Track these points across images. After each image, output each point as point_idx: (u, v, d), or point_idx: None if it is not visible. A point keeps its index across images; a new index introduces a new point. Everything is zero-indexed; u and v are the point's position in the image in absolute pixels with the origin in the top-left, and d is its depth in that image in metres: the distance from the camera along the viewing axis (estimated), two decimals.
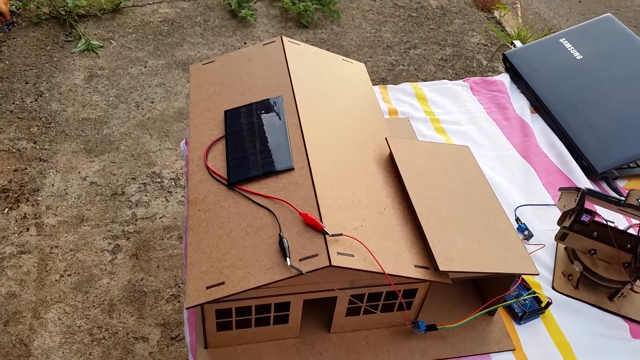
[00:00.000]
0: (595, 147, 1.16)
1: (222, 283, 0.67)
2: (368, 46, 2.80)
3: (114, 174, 1.86)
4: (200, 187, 0.81)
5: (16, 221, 1.65)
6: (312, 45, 2.75)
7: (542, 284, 0.93)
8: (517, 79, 1.39)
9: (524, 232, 1.01)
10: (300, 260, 0.67)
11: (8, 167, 1.83)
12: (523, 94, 1.37)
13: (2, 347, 1.35)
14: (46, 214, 1.69)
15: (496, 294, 0.84)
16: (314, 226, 0.69)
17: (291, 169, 0.78)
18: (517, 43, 1.52)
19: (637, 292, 0.91)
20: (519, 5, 3.37)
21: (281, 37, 1.05)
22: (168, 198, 1.81)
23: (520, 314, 0.86)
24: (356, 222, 0.73)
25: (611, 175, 1.15)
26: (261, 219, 0.73)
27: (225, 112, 0.92)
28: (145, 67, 2.42)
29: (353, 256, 0.68)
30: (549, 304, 0.87)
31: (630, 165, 1.17)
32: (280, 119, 0.87)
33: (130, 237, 1.65)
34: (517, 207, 1.06)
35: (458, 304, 0.87)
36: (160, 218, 1.73)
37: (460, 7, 3.21)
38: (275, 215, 0.73)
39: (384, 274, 0.68)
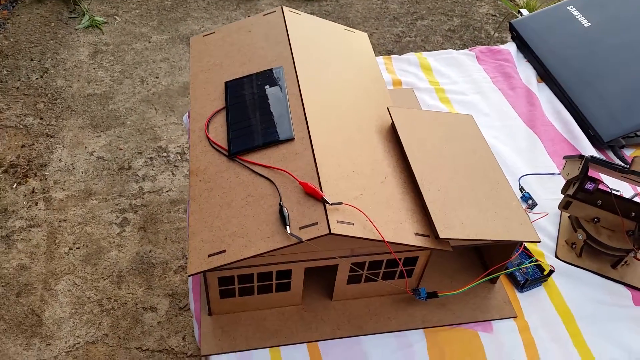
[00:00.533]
0: (602, 116, 1.15)
1: (224, 251, 0.68)
2: (374, 18, 2.75)
3: (121, 149, 1.86)
4: (201, 158, 0.81)
5: (25, 196, 1.67)
6: (318, 17, 2.72)
7: (546, 253, 0.93)
8: (524, 47, 1.37)
9: (528, 201, 1.01)
10: (301, 228, 0.67)
11: (16, 143, 1.85)
12: (529, 63, 1.35)
13: (16, 317, 1.38)
14: (54, 189, 1.70)
15: (498, 262, 0.85)
16: (314, 195, 0.69)
17: (291, 139, 0.78)
18: (524, 11, 1.49)
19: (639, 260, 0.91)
20: None
21: (281, 7, 1.03)
22: (174, 172, 1.82)
23: (522, 282, 0.87)
24: (356, 191, 0.73)
25: (618, 143, 1.14)
26: (261, 188, 0.74)
27: (226, 83, 0.91)
28: (150, 42, 2.40)
29: (353, 224, 0.68)
30: (551, 272, 0.88)
31: (638, 133, 1.15)
32: (280, 90, 0.86)
33: (138, 210, 1.67)
34: (522, 177, 1.05)
35: (460, 272, 0.88)
36: (167, 192, 1.74)
37: None
38: (275, 185, 0.73)
39: (383, 241, 0.68)
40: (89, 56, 2.29)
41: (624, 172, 0.81)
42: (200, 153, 0.82)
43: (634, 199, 0.96)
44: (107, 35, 2.42)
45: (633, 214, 0.88)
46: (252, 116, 0.84)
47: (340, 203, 0.69)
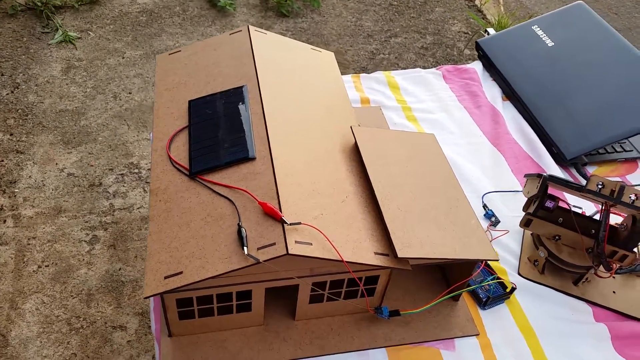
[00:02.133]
0: (564, 134, 1.17)
1: (180, 273, 0.67)
2: (349, 35, 2.79)
3: (92, 165, 1.84)
4: (162, 178, 0.81)
5: None
6: (293, 34, 2.74)
7: (508, 270, 0.94)
8: (490, 66, 1.40)
9: (491, 218, 1.02)
10: (258, 249, 0.67)
11: None
12: (495, 82, 1.38)
13: None
14: (23, 206, 1.67)
15: (460, 280, 0.85)
16: (273, 215, 0.69)
17: (252, 159, 0.78)
18: (491, 31, 1.52)
19: (600, 277, 0.92)
20: None
21: (247, 26, 1.04)
22: (146, 189, 1.80)
23: (484, 299, 0.87)
24: (316, 210, 0.74)
25: (580, 161, 1.16)
26: (221, 208, 0.73)
27: (190, 102, 0.91)
28: (123, 57, 2.39)
29: (311, 244, 0.68)
30: (513, 289, 0.89)
31: (600, 151, 1.18)
32: (244, 109, 0.87)
33: (108, 227, 1.64)
34: (485, 194, 1.07)
35: (423, 290, 0.88)
36: (137, 208, 1.72)
37: None
38: (235, 205, 0.73)
39: (342, 261, 0.68)
40: (61, 71, 2.27)
41: (581, 190, 0.82)
42: (161, 172, 0.81)
43: (594, 217, 0.98)
44: (80, 51, 2.41)
45: (593, 231, 0.90)
46: (214, 135, 0.84)
47: (299, 223, 0.69)
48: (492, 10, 3.11)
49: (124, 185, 1.79)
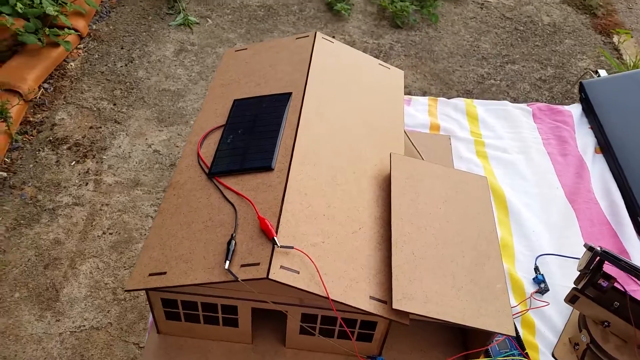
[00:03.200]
0: None
1: (164, 273, 0.66)
2: (461, 55, 2.65)
3: (177, 146, 1.93)
4: (184, 172, 0.80)
5: (79, 175, 1.78)
6: (402, 46, 2.67)
7: (542, 348, 0.82)
8: (589, 112, 1.24)
9: (540, 284, 0.90)
10: (242, 266, 0.63)
11: (86, 124, 1.98)
12: (591, 130, 1.21)
13: (38, 287, 1.46)
14: (107, 173, 1.79)
15: (478, 345, 0.75)
16: (267, 233, 0.65)
17: (270, 169, 0.75)
18: (602, 72, 1.35)
19: None
20: None
21: (315, 32, 1.01)
22: None
23: None
24: (319, 237, 0.68)
25: None
26: (224, 215, 0.71)
27: (234, 101, 0.90)
28: (230, 47, 2.48)
29: (298, 273, 0.63)
30: None
31: None
32: (280, 117, 0.83)
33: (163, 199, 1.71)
34: (540, 256, 0.94)
35: (435, 347, 0.79)
36: None
37: (574, 27, 2.95)
38: (236, 214, 0.70)
39: (327, 298, 0.63)
40: (173, 53, 2.41)
41: (636, 275, 0.69)
42: (185, 167, 0.81)
43: None
44: (195, 36, 2.54)
45: None
46: (244, 138, 0.81)
47: (291, 247, 0.64)
48: (631, 50, 2.80)
49: None
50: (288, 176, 0.73)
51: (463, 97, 2.46)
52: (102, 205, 1.69)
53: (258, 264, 0.63)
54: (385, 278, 0.69)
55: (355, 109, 0.91)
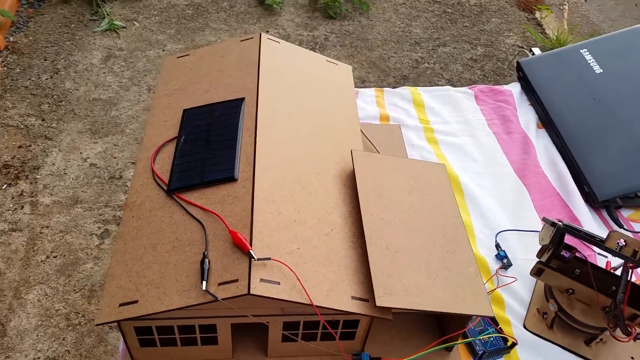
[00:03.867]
0: (599, 172, 1.06)
1: (136, 302, 0.63)
2: (395, 41, 2.69)
3: (115, 157, 1.85)
4: (140, 191, 0.76)
5: (12, 198, 1.67)
6: (337, 37, 2.68)
7: (513, 321, 0.85)
8: (528, 90, 1.29)
9: (503, 260, 0.93)
10: (219, 284, 0.61)
11: (14, 143, 1.85)
12: (532, 107, 1.26)
13: None
14: (42, 193, 1.69)
15: (455, 329, 0.77)
16: (241, 247, 0.64)
17: (233, 180, 0.73)
18: (536, 51, 1.41)
19: (618, 339, 0.81)
20: (566, 7, 3.18)
21: (260, 34, 0.99)
22: None
23: (480, 353, 0.79)
24: (293, 244, 0.67)
25: (614, 204, 1.04)
26: (191, 233, 0.68)
27: (184, 111, 0.87)
28: (164, 50, 2.40)
29: (279, 284, 0.62)
30: (514, 344, 0.80)
31: (638, 194, 1.06)
32: (236, 124, 0.81)
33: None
34: (499, 232, 0.97)
35: (414, 336, 0.80)
36: None
37: (500, 6, 3.05)
38: (205, 231, 0.68)
39: (311, 305, 0.62)
40: (101, 60, 2.30)
41: (598, 246, 0.72)
42: (141, 186, 0.77)
43: (617, 271, 0.88)
44: (122, 40, 2.43)
45: (613, 288, 0.79)
46: (200, 150, 0.79)
47: (268, 259, 0.63)
48: (552, 25, 2.94)
49: None
50: (254, 185, 0.71)
51: (400, 83, 2.50)
52: (41, 228, 1.59)
53: (237, 280, 0.61)
54: (363, 276, 0.69)
55: (309, 108, 0.90)
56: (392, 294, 0.66)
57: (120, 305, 0.63)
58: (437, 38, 2.76)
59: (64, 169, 1.77)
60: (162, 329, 0.68)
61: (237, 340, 0.74)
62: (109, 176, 1.77)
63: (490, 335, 0.81)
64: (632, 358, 0.81)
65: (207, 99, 0.89)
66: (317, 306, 0.62)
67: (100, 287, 1.46)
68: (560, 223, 0.75)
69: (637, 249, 0.70)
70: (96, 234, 1.58)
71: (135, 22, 2.57)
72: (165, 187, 0.75)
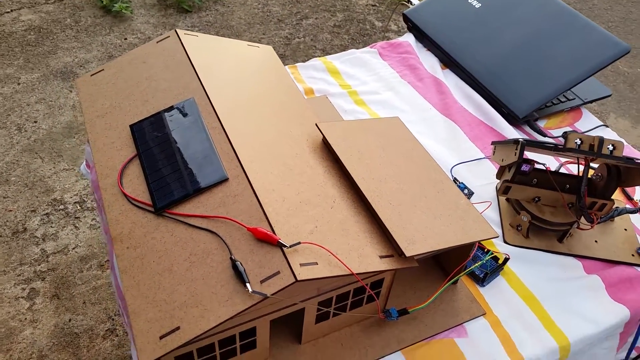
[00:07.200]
0: (513, 93, 1.17)
1: (178, 328, 0.58)
2: (259, 23, 2.68)
3: (10, 210, 1.64)
4: (122, 220, 0.70)
5: None
6: (200, 29, 2.60)
7: (494, 240, 0.93)
8: (422, 37, 1.37)
9: (464, 191, 1.00)
10: (262, 281, 0.59)
11: None
12: (430, 52, 1.35)
13: None
14: None
15: (456, 263, 0.82)
16: (268, 240, 0.62)
17: (225, 180, 0.70)
18: (414, 1, 1.49)
19: (582, 229, 0.93)
20: None
21: (175, 31, 0.93)
22: (77, 225, 1.63)
23: (482, 276, 0.85)
24: (310, 224, 0.67)
25: (532, 117, 1.17)
26: (204, 244, 0.65)
27: (131, 126, 0.80)
28: (19, 84, 2.15)
29: (317, 264, 0.62)
30: (506, 259, 0.87)
31: (547, 104, 1.19)
32: (197, 124, 0.77)
33: (45, 276, 1.47)
34: (453, 167, 1.05)
35: (421, 281, 0.85)
36: (73, 249, 1.56)
37: None
38: (220, 237, 0.64)
39: (352, 274, 0.63)
40: None
41: (560, 150, 0.82)
42: (120, 214, 0.71)
43: (560, 171, 0.99)
44: None
45: (568, 186, 0.90)
46: (173, 161, 0.74)
47: (299, 243, 0.62)
48: None
49: (52, 226, 1.61)
50: (249, 179, 0.69)
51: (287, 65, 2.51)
52: None
53: (278, 272, 0.59)
54: (378, 236, 0.70)
55: (258, 95, 0.88)
56: (414, 242, 0.69)
57: (162, 337, 0.58)
58: (297, 12, 2.80)
59: None
60: (203, 350, 0.64)
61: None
62: (11, 232, 1.57)
63: (487, 258, 0.88)
64: (596, 241, 0.93)
65: (149, 109, 0.83)
66: (357, 274, 0.63)
67: (50, 349, 1.31)
68: (521, 139, 0.83)
69: (592, 143, 0.80)
70: (23, 297, 1.41)
71: None
72: (151, 208, 0.70)
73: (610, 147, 0.80)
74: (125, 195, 0.72)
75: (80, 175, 1.78)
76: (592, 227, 0.90)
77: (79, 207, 1.68)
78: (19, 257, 1.50)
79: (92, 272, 1.49)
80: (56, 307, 1.39)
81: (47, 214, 1.64)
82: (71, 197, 1.71)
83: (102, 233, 1.61)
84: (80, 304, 1.41)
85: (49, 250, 1.53)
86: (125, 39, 2.48)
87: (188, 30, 2.54)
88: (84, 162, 1.12)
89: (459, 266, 0.81)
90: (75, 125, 1.98)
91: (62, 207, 1.67)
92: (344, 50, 1.33)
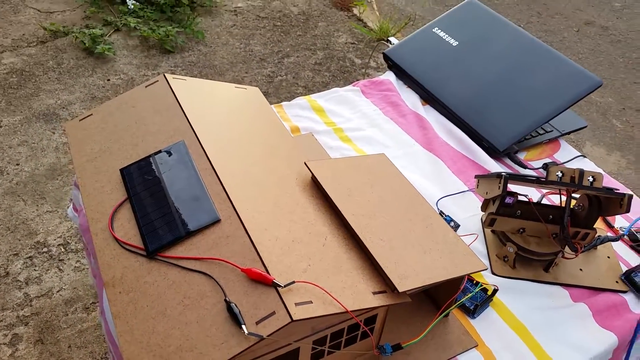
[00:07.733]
0: (491, 127, 1.21)
1: None
2: (241, 62, 2.73)
3: None
4: (114, 265, 0.70)
5: None
6: (183, 70, 2.63)
7: (482, 273, 0.94)
8: (402, 74, 1.42)
9: (450, 223, 1.02)
10: (258, 322, 0.60)
11: None
12: (411, 89, 1.39)
13: None
14: None
15: (447, 296, 0.83)
16: (262, 280, 0.62)
17: (217, 221, 0.71)
18: (393, 40, 1.55)
19: (567, 258, 0.95)
20: (373, 0, 3.49)
21: (164, 75, 0.95)
22: (61, 267, 1.61)
23: (472, 308, 0.86)
24: (303, 262, 0.68)
25: (512, 150, 1.20)
26: (198, 286, 0.65)
27: (121, 170, 0.81)
28: (1, 126, 2.14)
29: (312, 302, 0.62)
30: (495, 290, 0.88)
31: (526, 137, 1.23)
32: (188, 166, 0.78)
33: (29, 321, 1.44)
34: (438, 200, 1.07)
35: (413, 315, 0.85)
36: (58, 292, 1.53)
37: (320, 10, 3.26)
38: (214, 279, 0.65)
39: (347, 312, 0.63)
40: None
41: (542, 183, 0.84)
42: (111, 259, 0.71)
43: (542, 202, 1.02)
44: None
45: (551, 216, 0.92)
46: (164, 204, 0.74)
47: (293, 282, 0.63)
48: (371, 17, 3.22)
49: (35, 269, 1.58)
50: (241, 220, 0.70)
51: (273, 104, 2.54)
52: None
53: (273, 312, 0.60)
54: (370, 272, 0.71)
55: (247, 136, 0.90)
56: (406, 277, 0.70)
57: None
58: (279, 51, 2.86)
59: None
60: None
61: None
62: None
63: (477, 290, 0.89)
64: (581, 270, 0.95)
65: (139, 152, 0.84)
66: (351, 311, 0.64)
67: None
68: (504, 173, 0.86)
69: (573, 175, 0.83)
70: (5, 344, 1.37)
71: None
72: (143, 252, 0.70)
73: (591, 179, 0.83)
74: (116, 239, 0.73)
75: (64, 217, 1.76)
76: (576, 255, 0.92)
77: (63, 250, 1.66)
78: (0, 303, 1.47)
79: (78, 315, 1.46)
80: (40, 353, 1.36)
81: (30, 257, 1.62)
82: (55, 240, 1.69)
83: (87, 275, 1.58)
84: (66, 348, 1.38)
85: (32, 294, 1.50)
86: (108, 80, 2.50)
87: (171, 70, 2.58)
88: (71, 206, 1.11)
89: (449, 299, 0.82)
90: (58, 167, 1.97)
91: (45, 249, 1.65)
92: (326, 87, 1.37)
